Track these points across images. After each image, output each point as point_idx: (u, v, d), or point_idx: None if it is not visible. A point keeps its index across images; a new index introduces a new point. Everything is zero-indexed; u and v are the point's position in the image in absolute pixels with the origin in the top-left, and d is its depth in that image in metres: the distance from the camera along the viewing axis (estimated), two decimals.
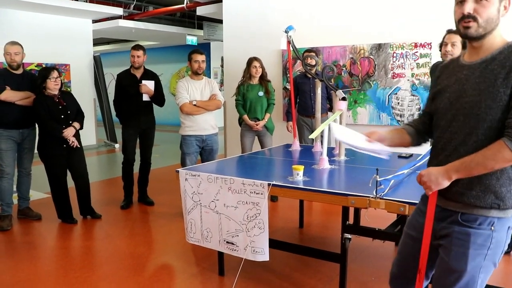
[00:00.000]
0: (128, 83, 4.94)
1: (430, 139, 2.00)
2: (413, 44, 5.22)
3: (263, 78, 5.09)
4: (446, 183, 1.68)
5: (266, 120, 5.07)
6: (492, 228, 1.65)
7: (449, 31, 3.61)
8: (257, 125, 5.03)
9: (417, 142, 2.02)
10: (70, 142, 4.35)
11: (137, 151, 5.16)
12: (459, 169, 1.65)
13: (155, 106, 5.10)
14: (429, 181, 1.71)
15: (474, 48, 1.70)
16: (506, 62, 1.58)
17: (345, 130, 2.23)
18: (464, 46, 3.53)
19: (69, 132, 4.34)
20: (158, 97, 5.02)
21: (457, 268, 1.71)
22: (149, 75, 5.05)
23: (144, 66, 5.04)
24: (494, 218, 1.66)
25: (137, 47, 4.93)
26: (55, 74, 4.30)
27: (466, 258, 1.68)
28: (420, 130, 1.98)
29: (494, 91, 1.59)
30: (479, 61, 1.67)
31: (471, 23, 1.63)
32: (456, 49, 3.53)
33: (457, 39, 3.51)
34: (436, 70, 1.94)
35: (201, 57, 4.63)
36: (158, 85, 5.03)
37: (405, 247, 1.95)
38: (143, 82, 4.89)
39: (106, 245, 4.01)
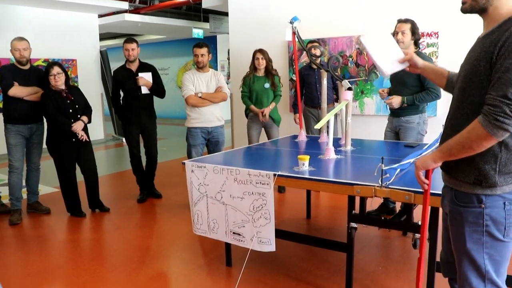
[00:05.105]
0: (125, 78, 4.92)
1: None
2: (420, 34, 5.15)
3: (269, 71, 5.08)
4: (432, 165, 1.74)
5: (271, 107, 5.05)
6: (482, 205, 1.63)
7: (399, 21, 3.78)
8: (262, 112, 5.01)
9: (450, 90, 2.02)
10: (80, 136, 4.39)
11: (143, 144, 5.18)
12: (441, 149, 1.69)
13: (160, 101, 5.08)
14: (418, 168, 1.79)
15: (484, 21, 1.68)
16: (498, 38, 1.52)
17: (382, 38, 2.15)
18: (413, 33, 3.76)
19: (78, 126, 4.37)
20: (158, 88, 4.98)
21: (459, 247, 1.72)
22: (145, 67, 5.01)
23: (139, 59, 5.00)
24: (481, 195, 1.63)
25: (130, 40, 4.89)
26: (54, 71, 4.30)
27: (464, 236, 1.68)
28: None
29: (476, 65, 1.59)
30: (482, 35, 1.66)
31: None
32: (406, 37, 3.74)
33: (406, 28, 3.71)
34: None
35: (200, 51, 4.60)
36: (156, 77, 4.99)
37: (443, 231, 1.95)
38: (140, 74, 4.86)
39: (114, 238, 4.05)
